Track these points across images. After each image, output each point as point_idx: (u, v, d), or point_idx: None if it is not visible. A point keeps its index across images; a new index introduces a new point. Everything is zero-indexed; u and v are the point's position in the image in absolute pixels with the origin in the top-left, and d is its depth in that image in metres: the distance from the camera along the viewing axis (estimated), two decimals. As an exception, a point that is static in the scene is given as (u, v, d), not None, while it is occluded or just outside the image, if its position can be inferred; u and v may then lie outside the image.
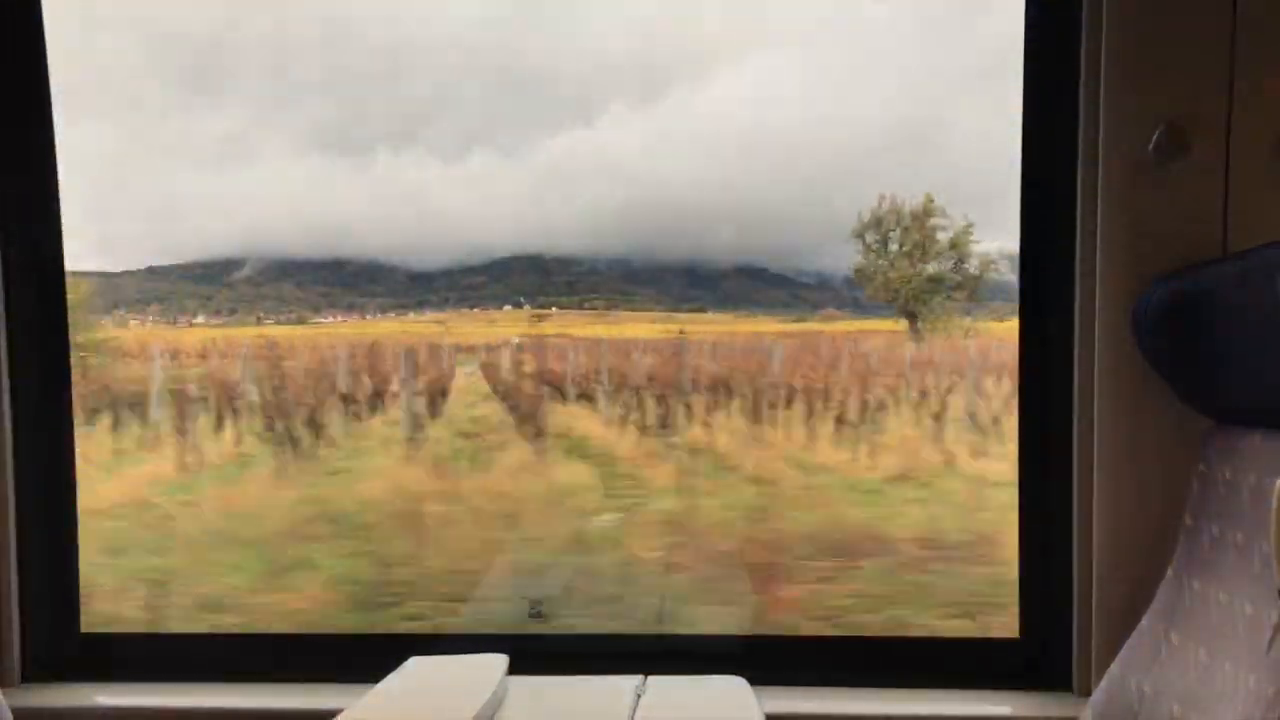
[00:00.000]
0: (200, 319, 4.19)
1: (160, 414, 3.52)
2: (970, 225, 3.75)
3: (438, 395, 4.03)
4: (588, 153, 3.13)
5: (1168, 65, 1.53)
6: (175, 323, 4.16)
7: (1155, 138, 1.53)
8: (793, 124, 3.04)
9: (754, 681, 1.59)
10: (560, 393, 4.14)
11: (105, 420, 3.33)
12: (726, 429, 3.71)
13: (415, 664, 1.62)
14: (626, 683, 1.59)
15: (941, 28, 2.72)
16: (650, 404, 3.96)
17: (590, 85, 3.00)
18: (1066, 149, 1.65)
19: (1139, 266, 1.54)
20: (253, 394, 3.74)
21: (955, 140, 2.87)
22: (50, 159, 1.89)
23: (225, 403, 3.69)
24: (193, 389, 3.77)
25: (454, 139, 3.24)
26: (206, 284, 4.34)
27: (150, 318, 4.11)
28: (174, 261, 4.03)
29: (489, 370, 4.23)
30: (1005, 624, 1.86)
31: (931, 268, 3.75)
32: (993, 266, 3.73)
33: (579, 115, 3.05)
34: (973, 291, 3.86)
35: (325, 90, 3.02)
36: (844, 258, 3.79)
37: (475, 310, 4.34)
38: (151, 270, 4.23)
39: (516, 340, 4.06)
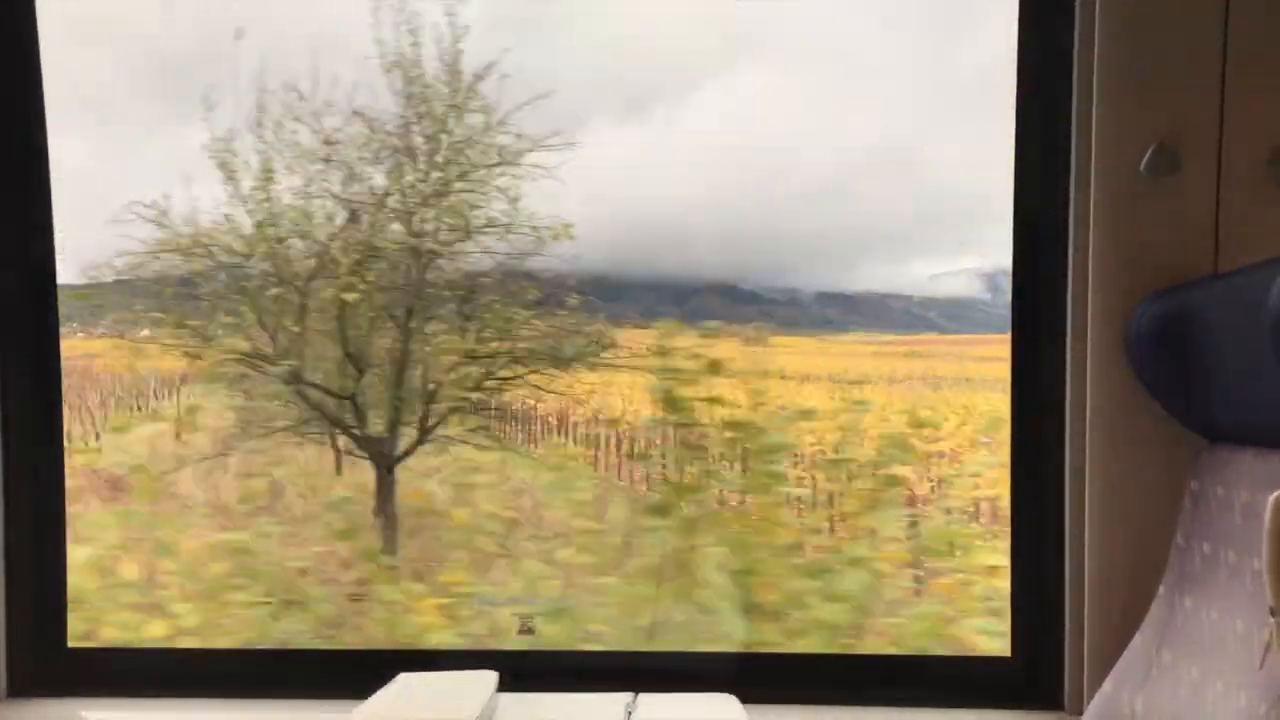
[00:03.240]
0: (145, 332, 4.17)
1: None
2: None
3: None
4: (568, 168, 3.13)
5: (1159, 83, 1.54)
6: (123, 336, 4.15)
7: (1146, 156, 1.54)
8: (772, 142, 3.05)
9: (744, 700, 1.58)
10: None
11: None
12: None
13: (403, 680, 1.61)
14: (616, 700, 1.58)
15: (929, 49, 2.75)
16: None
17: (572, 101, 3.00)
18: (1058, 167, 1.66)
19: (1131, 284, 1.55)
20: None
21: (939, 161, 2.89)
22: (43, 168, 1.88)
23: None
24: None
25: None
26: (171, 298, 4.28)
27: (100, 331, 4.09)
28: (146, 275, 3.99)
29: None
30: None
31: None
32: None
33: (561, 130, 3.05)
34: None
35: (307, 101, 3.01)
36: (816, 276, 3.81)
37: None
38: (119, 283, 4.17)
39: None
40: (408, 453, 3.11)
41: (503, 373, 3.22)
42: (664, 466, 3.15)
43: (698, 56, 3.04)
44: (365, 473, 3.12)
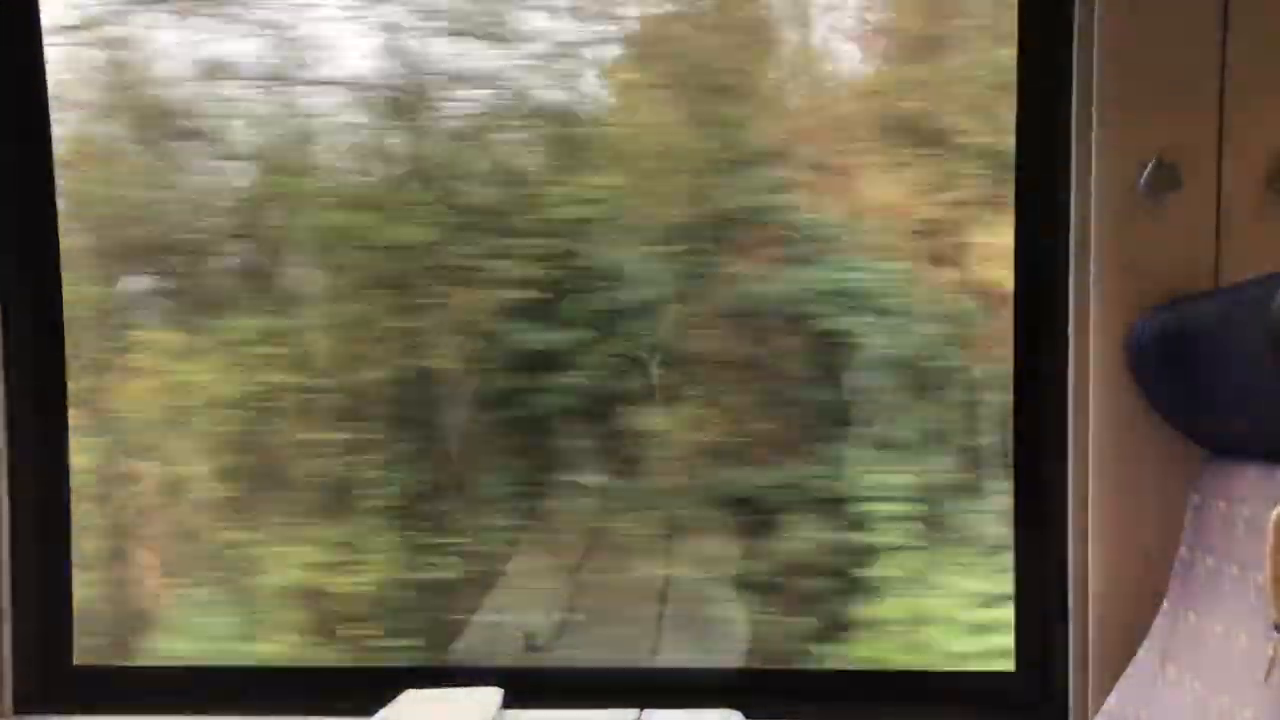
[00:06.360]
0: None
1: None
2: None
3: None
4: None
5: (1159, 98, 1.54)
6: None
7: (1147, 171, 1.54)
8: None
9: (750, 715, 1.59)
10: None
11: None
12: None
13: (409, 698, 1.61)
14: (622, 717, 1.58)
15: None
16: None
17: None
18: (1058, 182, 1.66)
19: (1132, 299, 1.55)
20: None
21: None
22: (48, 169, 1.86)
23: None
24: None
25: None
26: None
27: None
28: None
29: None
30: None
31: None
32: None
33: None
34: None
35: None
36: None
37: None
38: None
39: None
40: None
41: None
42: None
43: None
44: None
